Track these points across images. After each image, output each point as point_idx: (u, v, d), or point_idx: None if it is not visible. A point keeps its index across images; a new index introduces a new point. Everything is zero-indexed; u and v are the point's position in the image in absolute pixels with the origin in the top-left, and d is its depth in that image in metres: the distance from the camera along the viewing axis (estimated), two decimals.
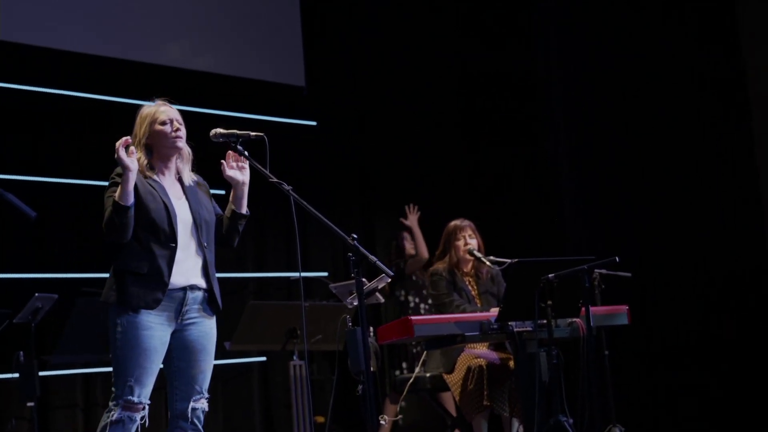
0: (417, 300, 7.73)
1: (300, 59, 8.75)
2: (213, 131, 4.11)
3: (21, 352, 5.85)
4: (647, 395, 8.11)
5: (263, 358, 8.12)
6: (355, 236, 3.88)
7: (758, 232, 7.99)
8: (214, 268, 4.21)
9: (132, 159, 3.92)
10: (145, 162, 4.13)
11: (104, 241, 4.04)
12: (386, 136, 9.11)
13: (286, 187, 3.97)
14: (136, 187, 3.97)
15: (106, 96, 7.57)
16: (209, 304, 4.18)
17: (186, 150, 4.25)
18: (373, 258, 3.87)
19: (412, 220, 7.92)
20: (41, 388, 6.00)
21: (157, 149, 4.18)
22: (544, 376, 5.09)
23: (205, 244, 4.16)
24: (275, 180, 3.99)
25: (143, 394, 4.01)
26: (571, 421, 5.04)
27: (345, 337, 4.14)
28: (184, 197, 4.19)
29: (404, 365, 7.53)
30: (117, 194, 3.93)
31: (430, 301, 7.59)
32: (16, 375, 5.94)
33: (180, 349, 4.12)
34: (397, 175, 9.04)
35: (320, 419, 7.50)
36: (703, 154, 8.16)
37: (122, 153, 3.90)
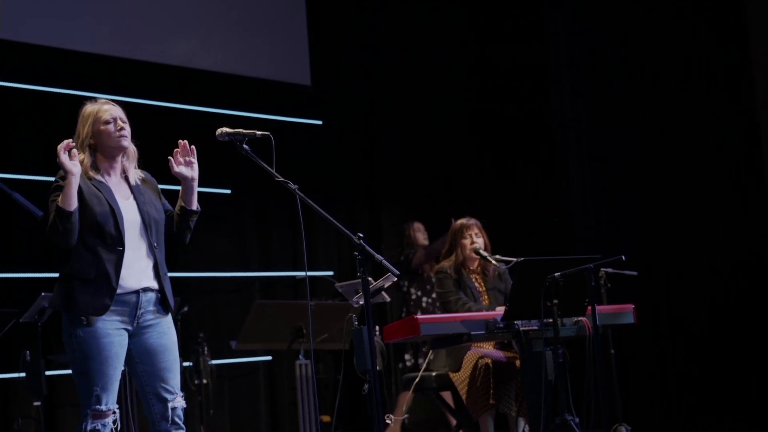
0: (419, 293, 7.72)
1: (306, 58, 8.76)
2: (219, 130, 4.09)
3: (27, 352, 5.86)
4: (653, 394, 8.10)
5: (269, 357, 8.12)
6: (361, 235, 3.88)
7: (766, 229, 7.98)
8: (165, 267, 4.13)
9: (74, 162, 3.85)
10: (90, 162, 4.05)
11: (51, 247, 3.95)
12: (392, 135, 9.11)
13: (292, 186, 3.96)
14: (80, 190, 3.90)
15: (114, 95, 7.51)
16: (162, 304, 4.10)
17: (131, 148, 4.15)
18: (379, 257, 3.87)
19: None
20: (48, 387, 6.02)
21: (102, 149, 4.09)
22: (551, 375, 5.09)
23: (155, 245, 4.07)
24: (281, 179, 3.98)
25: (110, 400, 3.96)
26: (577, 420, 5.04)
27: (351, 336, 4.13)
28: (131, 197, 4.10)
29: (407, 357, 7.53)
30: (60, 199, 3.85)
31: (433, 296, 7.60)
32: (23, 374, 5.96)
33: (142, 354, 4.05)
34: (403, 174, 9.04)
35: (326, 418, 7.51)
36: (711, 153, 8.15)
37: (64, 157, 3.83)
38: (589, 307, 5.10)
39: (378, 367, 4.18)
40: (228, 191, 8.02)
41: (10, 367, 6.50)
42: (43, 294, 5.85)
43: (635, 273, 5.96)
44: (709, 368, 7.93)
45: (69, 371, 6.85)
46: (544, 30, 8.97)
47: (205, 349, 7.04)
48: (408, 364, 7.45)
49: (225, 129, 4.10)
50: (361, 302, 4.09)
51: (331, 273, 8.34)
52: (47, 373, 6.01)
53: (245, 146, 4.06)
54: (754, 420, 7.65)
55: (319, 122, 8.83)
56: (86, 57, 7.54)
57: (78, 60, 7.51)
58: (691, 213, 8.10)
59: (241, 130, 4.10)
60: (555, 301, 5.06)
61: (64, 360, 6.29)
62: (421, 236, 7.88)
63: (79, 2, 7.57)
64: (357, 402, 6.67)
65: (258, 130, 4.10)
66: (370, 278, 3.96)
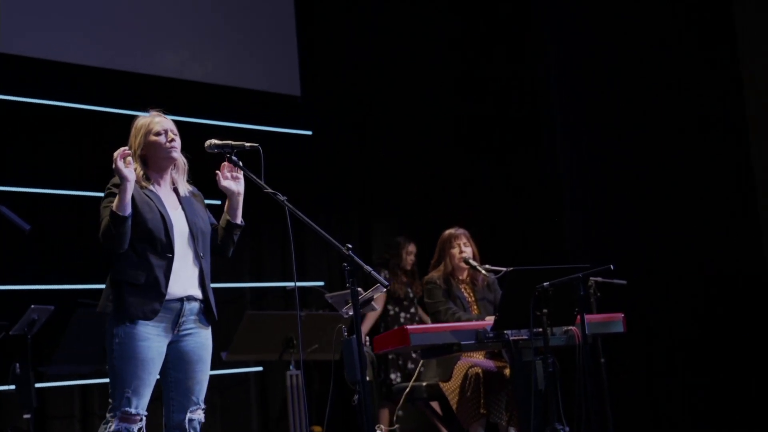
0: (397, 309, 7.74)
1: (295, 68, 8.77)
2: (208, 142, 4.12)
3: (17, 364, 5.85)
4: (643, 403, 8.11)
5: (260, 368, 8.12)
6: (350, 246, 3.89)
7: (755, 239, 8.00)
8: (210, 278, 4.21)
9: (130, 169, 3.93)
10: (141, 173, 4.13)
11: (102, 251, 4.04)
12: (382, 145, 9.11)
13: (281, 197, 3.99)
14: (133, 197, 3.98)
15: (103, 107, 7.58)
16: (205, 314, 4.19)
17: (181, 160, 4.26)
18: (368, 268, 3.89)
19: None
20: (38, 399, 6.00)
21: (153, 160, 4.19)
22: (541, 385, 5.10)
23: (202, 255, 4.16)
24: (270, 191, 4.00)
25: (141, 405, 4.00)
26: (567, 429, 5.05)
27: (341, 347, 4.14)
28: (180, 207, 4.19)
29: (392, 376, 7.52)
30: (114, 204, 3.93)
31: (411, 311, 7.63)
32: (13, 386, 5.94)
33: (177, 360, 4.12)
34: (393, 184, 9.05)
35: (317, 429, 7.50)
36: (700, 162, 8.16)
37: (120, 163, 3.91)
38: (579, 316, 5.12)
39: (368, 378, 4.17)
40: (218, 202, 8.01)
41: None
42: (33, 306, 5.84)
43: (624, 282, 5.98)
44: (700, 377, 7.94)
45: (59, 383, 6.88)
46: (535, 36, 8.98)
47: None
48: (397, 380, 7.44)
49: (214, 140, 4.13)
50: (350, 313, 4.10)
51: (321, 283, 8.34)
52: (37, 385, 6.00)
53: (234, 158, 4.11)
54: (744, 429, 7.66)
55: (309, 133, 8.83)
56: (76, 69, 7.54)
57: (68, 72, 7.50)
58: (681, 222, 8.11)
59: (230, 141, 4.13)
60: (544, 311, 5.08)
61: (54, 372, 6.29)
62: (408, 260, 7.86)
63: (68, 15, 7.56)
64: (347, 412, 6.67)
65: (247, 142, 4.14)
66: (359, 289, 3.97)
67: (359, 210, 9.12)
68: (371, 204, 9.13)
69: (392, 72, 9.16)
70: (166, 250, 4.05)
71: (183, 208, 4.19)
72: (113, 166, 3.91)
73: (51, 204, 7.24)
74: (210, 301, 4.17)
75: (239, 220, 4.29)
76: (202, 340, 4.17)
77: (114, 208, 3.93)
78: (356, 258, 3.88)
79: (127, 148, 4.01)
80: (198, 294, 4.15)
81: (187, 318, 4.11)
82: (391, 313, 7.69)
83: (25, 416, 5.98)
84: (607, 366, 5.95)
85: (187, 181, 4.31)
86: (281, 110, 8.68)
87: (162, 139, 4.16)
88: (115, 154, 3.92)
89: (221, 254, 4.32)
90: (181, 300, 4.09)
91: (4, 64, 7.20)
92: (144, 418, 4.03)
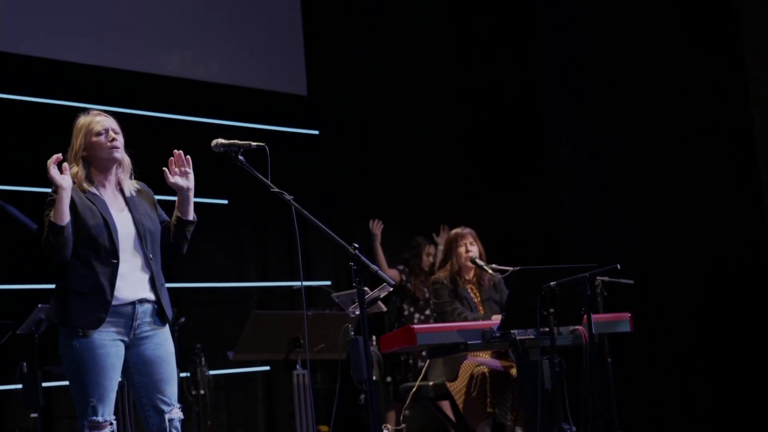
0: (412, 309, 7.73)
1: (302, 68, 8.77)
2: (214, 141, 4.10)
3: (24, 363, 5.85)
4: (650, 403, 8.10)
5: (267, 368, 8.12)
6: (356, 245, 3.88)
7: (762, 238, 7.98)
8: (162, 278, 4.11)
9: (65, 176, 3.86)
10: (84, 175, 4.05)
11: (46, 262, 3.96)
12: (388, 145, 9.11)
13: (288, 196, 3.97)
14: (73, 203, 3.91)
15: (108, 107, 7.52)
16: (159, 315, 4.09)
17: (126, 160, 4.15)
18: (374, 267, 3.88)
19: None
20: (45, 398, 6.00)
21: (95, 161, 4.09)
22: (547, 384, 5.09)
23: (151, 256, 4.06)
24: (276, 190, 3.98)
25: (107, 412, 3.95)
26: (574, 429, 5.04)
27: (347, 346, 4.14)
28: (126, 209, 4.10)
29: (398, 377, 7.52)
30: (52, 214, 3.86)
31: (427, 312, 7.61)
32: (20, 386, 5.94)
33: (139, 365, 4.04)
34: (399, 184, 9.04)
35: (324, 428, 7.50)
36: (704, 161, 8.15)
37: (54, 171, 3.84)
38: (585, 316, 5.11)
39: (374, 377, 4.17)
40: (225, 202, 8.03)
41: (6, 378, 6.49)
42: (39, 305, 5.85)
43: (631, 282, 5.96)
44: (707, 377, 7.93)
45: (66, 383, 6.87)
46: (536, 37, 8.98)
47: (203, 359, 7.03)
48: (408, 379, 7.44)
49: (220, 140, 4.10)
50: (357, 312, 4.09)
51: (328, 283, 8.34)
52: (44, 384, 6.00)
53: (240, 157, 4.06)
54: (751, 428, 7.65)
55: (316, 132, 8.83)
56: (81, 68, 7.55)
57: (72, 71, 7.51)
58: (686, 222, 8.10)
59: (236, 141, 4.10)
60: (551, 310, 5.07)
61: (61, 371, 6.26)
62: (427, 261, 7.85)
63: (73, 14, 7.57)
64: (354, 412, 6.67)
65: (253, 141, 4.11)
66: (366, 288, 3.97)
67: (364, 209, 9.11)
68: (376, 203, 9.12)
69: (397, 72, 9.16)
70: (110, 255, 3.96)
71: (129, 210, 4.09)
72: (47, 174, 3.83)
73: None
74: (162, 302, 4.07)
75: (191, 216, 4.16)
76: (160, 340, 4.08)
77: (51, 218, 3.85)
78: (362, 257, 3.87)
79: (59, 155, 3.92)
80: (150, 296, 4.06)
81: (141, 321, 4.03)
82: (406, 313, 7.69)
83: (32, 416, 5.99)
84: (613, 366, 5.94)
85: (131, 178, 4.20)
86: (288, 110, 8.69)
87: (103, 139, 4.06)
88: (49, 161, 3.85)
89: (174, 252, 4.20)
90: (132, 304, 4.00)
91: (9, 64, 7.21)
92: (114, 423, 3.98)
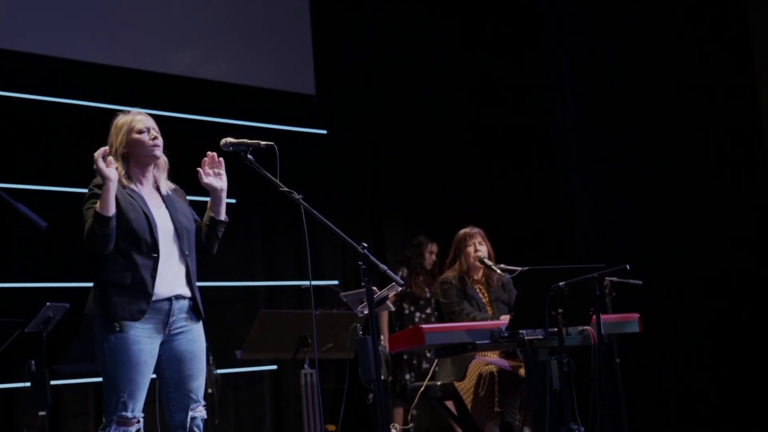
0: (412, 308, 7.70)
1: (310, 68, 8.77)
2: (223, 140, 4.10)
3: (32, 361, 5.86)
4: (658, 403, 8.09)
5: (274, 367, 8.12)
6: (365, 245, 3.88)
7: None
8: (196, 276, 4.18)
9: (111, 169, 3.90)
10: (123, 172, 4.10)
11: (86, 254, 4.00)
12: (396, 144, 9.12)
13: (297, 196, 3.97)
14: (116, 197, 3.95)
15: (117, 105, 7.56)
16: (194, 312, 4.16)
17: (163, 159, 4.22)
18: (383, 267, 3.87)
19: None
20: (53, 396, 6.02)
21: (135, 158, 4.16)
22: (555, 385, 5.08)
23: (187, 253, 4.13)
24: (285, 189, 3.98)
25: (136, 408, 3.98)
26: (582, 429, 5.03)
27: (356, 346, 4.13)
28: (163, 206, 4.16)
29: (407, 377, 7.50)
30: (98, 205, 3.90)
31: (427, 311, 7.58)
32: (28, 384, 5.96)
33: (171, 360, 4.09)
34: (407, 184, 9.05)
35: (331, 428, 7.50)
36: (713, 158, 8.14)
37: (101, 163, 3.88)
38: (594, 316, 5.10)
39: (382, 377, 4.16)
40: (233, 201, 8.02)
41: (15, 377, 6.50)
42: (48, 304, 5.86)
43: (640, 282, 5.95)
44: (715, 377, 7.91)
45: (74, 381, 6.90)
46: (543, 40, 8.98)
47: (210, 358, 7.03)
48: (411, 380, 7.43)
49: (229, 139, 4.11)
50: (365, 311, 4.09)
51: (336, 282, 8.34)
52: (52, 382, 6.02)
53: (249, 156, 4.07)
54: (759, 428, 7.63)
55: (324, 131, 8.83)
56: (90, 67, 7.56)
57: (82, 70, 7.53)
58: (695, 223, 8.09)
59: (245, 140, 4.11)
60: (560, 310, 5.06)
61: (69, 370, 6.30)
62: (430, 260, 7.81)
63: (82, 12, 7.59)
64: (362, 411, 6.66)
65: (262, 140, 4.11)
66: (374, 287, 3.96)
67: (372, 209, 9.12)
68: (385, 203, 9.13)
69: (405, 72, 9.17)
70: (151, 249, 4.02)
71: (166, 207, 4.16)
72: (94, 166, 3.88)
73: (66, 202, 7.25)
74: (197, 298, 4.15)
75: (223, 216, 4.24)
76: (194, 336, 4.15)
77: (98, 209, 3.89)
78: (371, 257, 3.86)
79: (106, 148, 3.98)
80: (186, 292, 4.12)
81: (177, 317, 4.09)
82: (406, 312, 7.66)
83: (40, 414, 6.00)
84: (622, 366, 5.92)
85: (168, 178, 4.27)
86: (296, 109, 8.69)
87: (145, 136, 4.13)
88: (96, 154, 3.89)
89: (206, 252, 4.28)
90: (169, 299, 4.06)
91: (15, 61, 7.22)
92: (141, 420, 4.01)
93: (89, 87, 7.53)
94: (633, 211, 8.33)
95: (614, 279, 5.76)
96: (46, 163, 7.36)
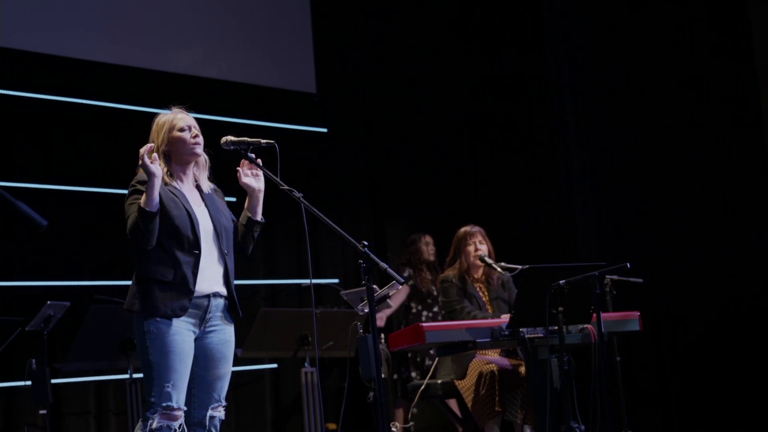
0: (419, 307, 7.68)
1: (311, 66, 8.77)
2: (224, 139, 4.12)
3: (33, 360, 5.86)
4: (659, 401, 8.09)
5: (275, 365, 8.12)
6: (365, 243, 3.88)
7: None
8: (234, 275, 4.21)
9: (156, 165, 3.91)
10: (166, 169, 4.12)
11: (129, 249, 4.02)
12: (396, 142, 9.11)
13: (297, 194, 3.98)
14: (159, 194, 3.97)
15: (118, 104, 7.59)
16: (230, 311, 4.19)
17: (203, 157, 4.26)
18: (383, 265, 3.87)
19: None
20: (53, 395, 6.01)
21: (176, 156, 4.18)
22: (556, 383, 5.09)
23: (226, 252, 4.17)
24: (286, 187, 3.99)
25: (181, 399, 3.99)
26: (582, 427, 5.04)
27: (356, 344, 4.14)
28: (203, 204, 4.19)
29: (413, 374, 7.49)
30: (142, 201, 3.91)
31: (434, 309, 7.56)
32: (29, 382, 5.95)
33: (201, 357, 4.11)
34: (407, 181, 9.04)
35: (332, 426, 7.50)
36: (716, 159, 8.13)
37: (147, 160, 3.89)
38: (595, 315, 5.10)
39: (383, 375, 4.16)
40: (233, 199, 8.02)
41: (15, 375, 6.50)
42: (49, 302, 5.85)
43: (641, 280, 5.95)
44: (716, 376, 7.91)
45: (74, 379, 6.90)
46: (544, 35, 8.96)
47: None
48: (414, 377, 7.42)
49: (230, 137, 4.13)
50: (366, 310, 4.09)
51: (336, 281, 8.34)
52: (53, 381, 6.01)
53: (250, 155, 4.10)
54: (760, 428, 7.62)
55: (325, 130, 8.83)
56: (90, 65, 7.56)
57: (82, 68, 7.52)
58: (696, 221, 8.08)
59: (246, 138, 4.13)
60: (560, 309, 5.06)
61: (70, 368, 6.30)
62: (428, 251, 7.78)
63: (82, 10, 7.58)
64: (362, 410, 6.67)
65: (263, 139, 4.13)
66: (375, 286, 3.96)
67: (373, 207, 9.12)
68: (385, 201, 9.13)
69: (406, 70, 9.16)
70: (193, 246, 4.05)
71: (206, 205, 4.19)
72: (140, 162, 3.90)
73: (67, 200, 7.26)
74: (234, 298, 4.18)
75: (260, 216, 4.29)
76: (226, 336, 4.17)
77: (142, 204, 3.91)
78: (372, 255, 3.86)
79: (152, 144, 3.99)
80: (223, 291, 4.15)
81: (213, 315, 4.11)
82: (413, 311, 7.63)
83: (41, 412, 6.00)
84: (622, 364, 5.92)
85: (209, 178, 4.30)
86: (297, 107, 8.69)
87: (186, 135, 4.16)
88: (141, 150, 3.90)
89: (241, 251, 4.32)
90: (207, 297, 4.09)
91: (14, 60, 7.22)
92: (183, 413, 4.01)
93: (89, 85, 7.52)
94: (634, 209, 8.32)
95: (615, 277, 5.76)
96: (46, 161, 7.35)
